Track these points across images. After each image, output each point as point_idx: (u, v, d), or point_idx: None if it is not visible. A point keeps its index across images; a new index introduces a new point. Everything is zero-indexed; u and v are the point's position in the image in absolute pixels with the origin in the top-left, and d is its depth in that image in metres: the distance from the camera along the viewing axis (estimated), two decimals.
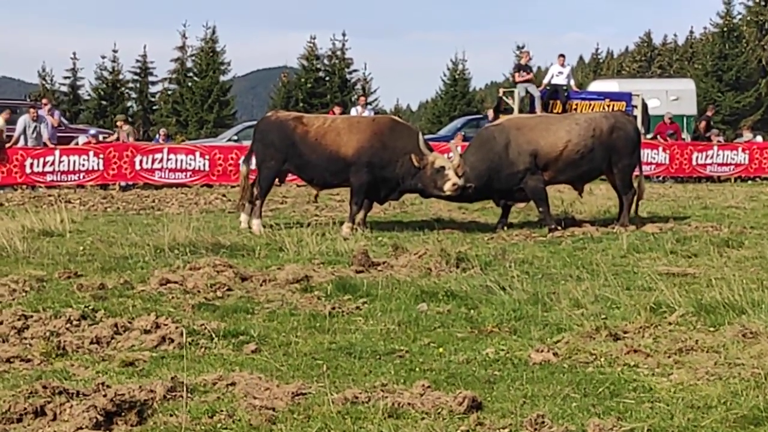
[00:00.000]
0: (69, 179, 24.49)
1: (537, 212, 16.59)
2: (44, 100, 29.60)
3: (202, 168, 25.60)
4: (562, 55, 29.83)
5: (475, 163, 15.11)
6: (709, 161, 29.57)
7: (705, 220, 16.13)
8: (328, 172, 15.31)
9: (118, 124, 29.65)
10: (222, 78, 55.94)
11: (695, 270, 10.64)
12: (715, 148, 29.94)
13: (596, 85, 39.64)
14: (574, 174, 15.46)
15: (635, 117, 29.53)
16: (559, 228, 14.75)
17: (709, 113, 34.17)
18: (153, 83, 57.94)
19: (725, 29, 58.97)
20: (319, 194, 17.07)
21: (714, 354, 6.88)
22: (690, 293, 8.83)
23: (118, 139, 27.40)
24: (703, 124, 32.90)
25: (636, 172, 16.09)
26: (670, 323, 7.77)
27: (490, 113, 30.89)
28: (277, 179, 16.12)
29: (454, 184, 14.57)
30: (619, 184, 15.59)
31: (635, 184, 15.77)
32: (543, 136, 15.23)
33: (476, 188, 14.93)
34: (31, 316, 7.92)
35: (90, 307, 8.29)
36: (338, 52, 57.60)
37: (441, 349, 7.18)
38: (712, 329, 7.59)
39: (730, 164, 29.83)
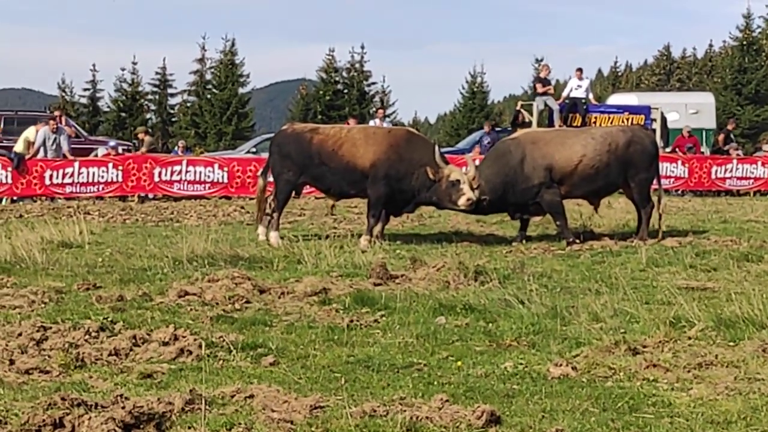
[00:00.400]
0: (88, 191, 24.60)
1: (555, 226, 16.57)
2: (57, 112, 29.70)
3: (220, 180, 25.68)
4: (580, 69, 29.85)
5: (491, 176, 15.11)
6: (728, 175, 29.51)
7: (724, 234, 16.06)
8: (344, 181, 15.37)
9: (140, 136, 29.77)
10: (241, 90, 56.14)
11: (715, 284, 10.59)
12: (735, 161, 29.89)
13: (615, 99, 39.67)
14: (589, 189, 15.43)
15: (653, 130, 29.56)
16: (577, 241, 14.73)
17: (729, 127, 34.10)
18: (172, 95, 58.23)
19: (744, 43, 58.88)
20: (336, 205, 17.11)
21: (734, 369, 6.84)
22: (709, 308, 8.80)
23: (138, 149, 27.51)
24: (721, 137, 32.84)
25: (654, 186, 16.04)
26: (689, 338, 7.73)
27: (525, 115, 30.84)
28: (294, 192, 16.14)
29: (468, 199, 14.64)
30: (637, 198, 15.56)
31: (654, 198, 15.72)
32: (558, 150, 15.22)
33: (491, 201, 14.95)
34: (50, 328, 7.93)
35: (109, 319, 8.29)
36: (357, 65, 57.79)
37: (459, 363, 7.16)
38: (731, 344, 7.55)
39: (750, 178, 29.77)
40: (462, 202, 14.67)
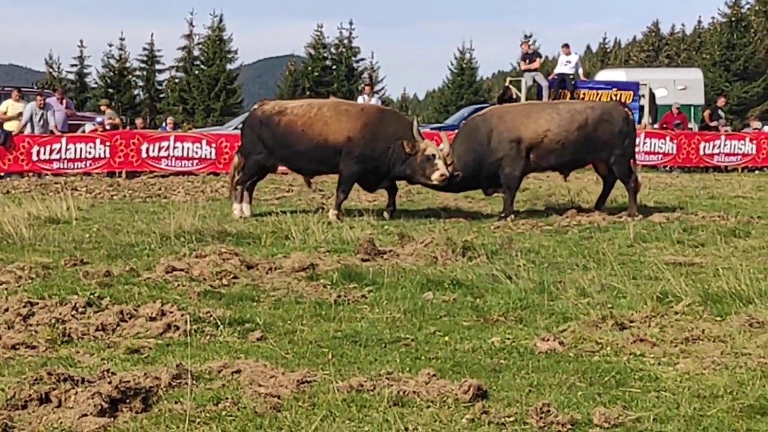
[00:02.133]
0: (75, 167, 24.50)
1: (542, 202, 16.65)
2: (57, 92, 29.67)
3: (208, 156, 25.60)
4: (566, 45, 29.85)
5: (462, 153, 15.25)
6: (716, 151, 29.51)
7: (712, 209, 16.09)
8: (316, 161, 15.42)
9: (102, 108, 29.71)
10: (229, 66, 55.98)
11: (702, 259, 10.62)
12: (723, 138, 29.88)
13: (604, 75, 39.58)
14: (556, 162, 15.55)
15: (641, 106, 29.58)
16: (511, 219, 14.76)
17: (719, 103, 34.09)
18: (160, 71, 58.06)
19: (733, 19, 58.85)
20: (313, 182, 17.02)
21: (720, 344, 6.86)
22: (697, 283, 8.82)
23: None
24: (707, 113, 32.83)
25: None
26: (676, 313, 7.75)
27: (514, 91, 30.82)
28: (267, 170, 16.30)
29: (441, 175, 14.69)
30: (618, 174, 15.55)
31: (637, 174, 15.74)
32: (524, 123, 15.33)
33: (463, 178, 15.06)
34: (37, 303, 7.92)
35: (96, 295, 8.28)
36: (345, 41, 57.70)
37: (447, 338, 7.16)
38: (718, 319, 7.58)
39: (738, 154, 29.76)
40: (435, 177, 14.73)
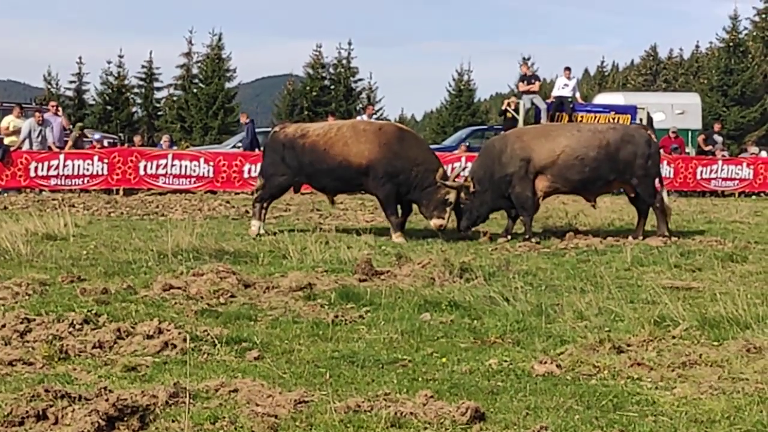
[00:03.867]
0: (73, 183, 24.53)
1: (539, 224, 16.66)
2: (51, 104, 29.64)
3: (206, 174, 25.66)
4: (568, 68, 29.91)
5: (477, 168, 15.62)
6: (713, 176, 29.59)
7: (709, 234, 16.12)
8: (338, 180, 15.82)
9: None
10: (227, 85, 55.92)
11: (699, 284, 10.62)
12: (720, 162, 29.95)
13: (602, 98, 39.71)
14: (576, 183, 15.44)
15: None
16: (534, 241, 14.75)
17: (716, 128, 34.16)
18: (158, 89, 57.93)
19: (731, 44, 58.94)
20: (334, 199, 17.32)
21: (718, 368, 6.86)
22: (694, 307, 8.82)
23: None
24: (701, 138, 32.89)
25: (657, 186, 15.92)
26: (673, 337, 7.75)
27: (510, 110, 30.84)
28: (292, 189, 16.91)
29: (441, 225, 15.21)
30: (642, 195, 15.50)
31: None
32: (540, 143, 15.34)
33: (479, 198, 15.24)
34: (34, 320, 7.91)
35: (93, 312, 8.26)
36: (344, 61, 57.66)
37: (444, 359, 7.16)
38: (715, 343, 7.58)
39: (735, 179, 29.86)
40: (435, 222, 15.26)
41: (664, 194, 15.68)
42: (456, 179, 15.25)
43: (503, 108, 31.45)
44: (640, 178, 15.31)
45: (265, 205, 16.18)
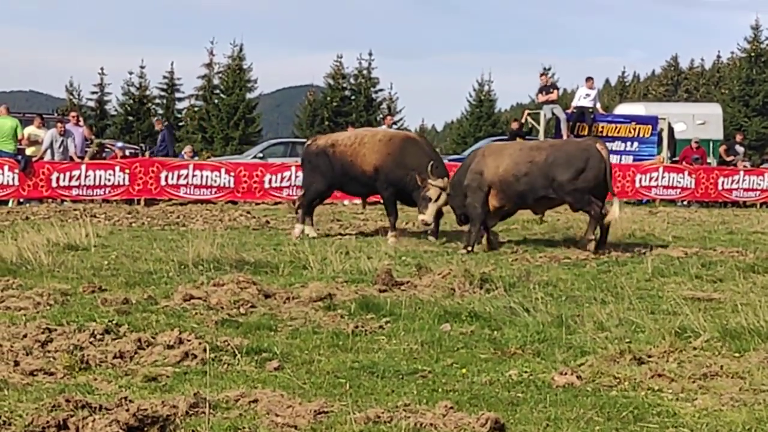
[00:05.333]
0: (95, 194, 24.61)
1: (560, 235, 16.63)
2: (72, 114, 29.74)
3: (227, 185, 25.70)
4: (590, 78, 29.85)
5: (454, 176, 16.23)
6: (735, 186, 29.48)
7: (730, 245, 16.05)
8: (362, 186, 17.32)
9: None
10: (248, 95, 56.01)
11: (720, 295, 10.56)
12: (741, 173, 29.84)
13: (622, 108, 39.63)
14: (515, 199, 15.46)
15: (660, 140, 29.49)
16: (469, 250, 14.89)
17: (738, 138, 34.07)
18: (179, 100, 58.08)
19: (753, 54, 58.83)
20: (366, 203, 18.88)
21: (739, 380, 6.83)
22: (715, 318, 8.78)
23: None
24: (722, 148, 32.80)
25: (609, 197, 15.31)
26: (694, 348, 7.72)
27: (515, 124, 30.87)
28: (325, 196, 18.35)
29: (422, 220, 16.22)
30: (577, 207, 15.39)
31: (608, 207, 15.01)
32: (492, 159, 15.57)
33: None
34: (55, 330, 7.94)
35: (114, 322, 8.30)
36: (364, 72, 57.71)
37: (464, 370, 7.15)
38: (737, 355, 7.54)
39: (756, 189, 29.74)
40: (419, 217, 16.31)
41: (614, 205, 15.11)
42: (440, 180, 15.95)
43: (523, 120, 31.49)
44: (571, 193, 15.01)
45: (307, 210, 17.48)
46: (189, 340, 7.61)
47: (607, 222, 14.90)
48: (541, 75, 32.13)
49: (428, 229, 16.69)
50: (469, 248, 14.96)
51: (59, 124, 26.22)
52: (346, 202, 25.37)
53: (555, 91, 30.23)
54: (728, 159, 31.60)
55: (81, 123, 28.23)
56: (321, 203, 18.77)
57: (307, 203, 17.54)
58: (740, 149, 32.87)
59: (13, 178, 24.11)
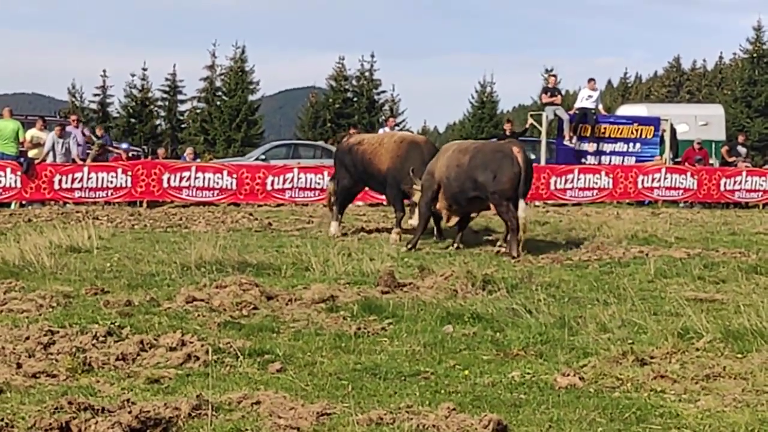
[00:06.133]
0: (97, 196, 24.60)
1: (562, 236, 16.66)
2: (72, 117, 29.74)
3: (229, 187, 25.67)
4: (592, 79, 29.83)
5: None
6: (737, 187, 29.42)
7: (733, 246, 16.03)
8: (381, 184, 17.80)
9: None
10: (250, 97, 56.01)
11: (723, 296, 10.56)
12: (744, 174, 29.80)
13: (625, 110, 39.60)
14: (451, 200, 15.54)
15: (662, 141, 29.46)
16: (414, 249, 15.12)
17: (740, 139, 34.06)
18: (182, 102, 58.10)
19: (755, 55, 58.81)
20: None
21: (742, 381, 6.83)
22: (718, 319, 8.78)
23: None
24: (725, 149, 32.76)
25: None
26: (697, 349, 7.72)
27: (507, 126, 30.81)
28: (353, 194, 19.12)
29: (411, 225, 16.41)
30: (497, 211, 15.26)
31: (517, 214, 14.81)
32: (439, 159, 15.82)
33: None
34: (58, 332, 7.96)
35: (116, 324, 8.31)
36: (366, 73, 57.68)
37: (466, 372, 7.15)
38: (739, 356, 7.54)
39: (759, 190, 29.66)
40: (409, 221, 16.60)
41: (520, 208, 14.93)
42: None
43: (525, 127, 31.51)
44: (491, 195, 15.01)
45: (338, 207, 18.25)
46: (191, 342, 7.62)
47: (522, 225, 14.77)
48: (550, 75, 32.08)
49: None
50: (410, 246, 15.27)
51: (57, 128, 26.19)
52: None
53: (559, 95, 30.21)
54: (730, 160, 31.56)
55: (78, 126, 28.14)
56: (351, 201, 19.56)
57: (341, 200, 18.35)
58: (742, 150, 32.81)
59: (16, 181, 24.08)
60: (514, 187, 14.78)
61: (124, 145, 29.90)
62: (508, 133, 29.19)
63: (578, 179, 27.60)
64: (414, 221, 16.16)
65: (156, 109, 57.14)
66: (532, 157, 32.20)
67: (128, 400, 5.83)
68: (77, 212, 21.68)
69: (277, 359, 7.37)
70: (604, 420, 5.95)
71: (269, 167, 26.88)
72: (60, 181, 24.36)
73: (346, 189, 18.35)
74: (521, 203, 14.78)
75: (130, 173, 24.93)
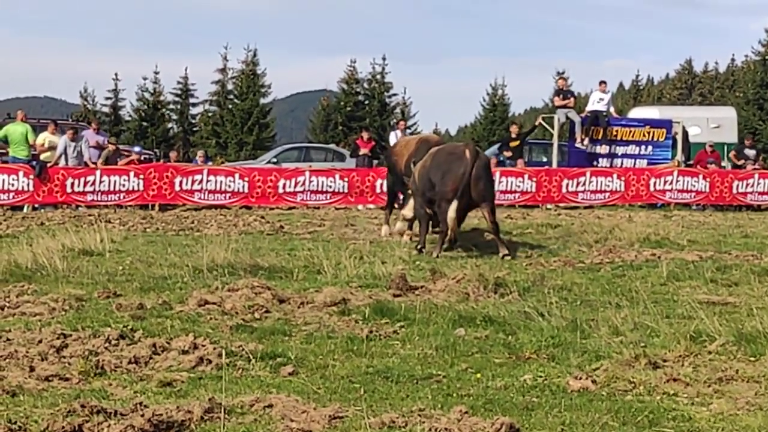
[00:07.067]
0: (109, 199, 24.65)
1: (574, 239, 16.67)
2: (93, 123, 29.93)
3: (241, 190, 25.71)
4: (604, 82, 29.80)
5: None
6: (749, 189, 29.32)
7: (745, 248, 15.99)
8: (402, 185, 17.91)
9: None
10: (262, 100, 56.06)
11: (736, 299, 10.54)
12: (756, 176, 29.70)
13: (636, 112, 39.50)
14: (429, 201, 15.53)
15: (675, 143, 29.37)
16: (423, 251, 15.04)
17: (747, 142, 33.96)
18: (194, 105, 58.16)
19: (767, 57, 58.61)
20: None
21: (754, 384, 6.81)
22: (730, 322, 8.76)
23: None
24: (732, 153, 32.66)
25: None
26: (710, 352, 7.70)
27: (513, 128, 30.72)
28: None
29: (403, 215, 16.96)
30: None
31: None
32: (424, 161, 15.83)
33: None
34: (70, 335, 7.97)
35: (128, 327, 8.32)
36: (378, 76, 57.67)
37: (478, 375, 7.15)
38: (752, 359, 7.52)
39: None
40: (401, 212, 17.18)
41: (451, 208, 14.92)
42: None
43: (534, 125, 31.49)
44: (435, 194, 15.07)
45: (389, 210, 18.93)
46: (204, 345, 7.63)
47: (451, 227, 14.75)
48: (559, 79, 32.03)
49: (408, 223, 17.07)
50: (421, 249, 15.19)
51: (70, 131, 26.26)
52: (360, 207, 25.43)
53: (572, 98, 30.13)
54: (739, 163, 31.46)
55: (99, 132, 28.28)
56: (394, 201, 19.72)
57: (389, 201, 19.34)
58: (751, 153, 32.68)
59: (28, 184, 24.16)
60: (455, 189, 14.76)
61: (137, 149, 29.91)
62: (513, 135, 29.19)
63: (590, 182, 27.58)
64: (405, 212, 16.73)
65: (168, 112, 57.22)
66: (544, 159, 32.40)
67: (141, 404, 5.84)
68: (89, 215, 21.73)
69: (289, 362, 7.37)
70: (617, 423, 5.94)
71: (281, 170, 26.89)
72: (72, 184, 24.43)
73: (390, 191, 19.26)
74: (453, 204, 14.70)
75: (142, 176, 24.98)
